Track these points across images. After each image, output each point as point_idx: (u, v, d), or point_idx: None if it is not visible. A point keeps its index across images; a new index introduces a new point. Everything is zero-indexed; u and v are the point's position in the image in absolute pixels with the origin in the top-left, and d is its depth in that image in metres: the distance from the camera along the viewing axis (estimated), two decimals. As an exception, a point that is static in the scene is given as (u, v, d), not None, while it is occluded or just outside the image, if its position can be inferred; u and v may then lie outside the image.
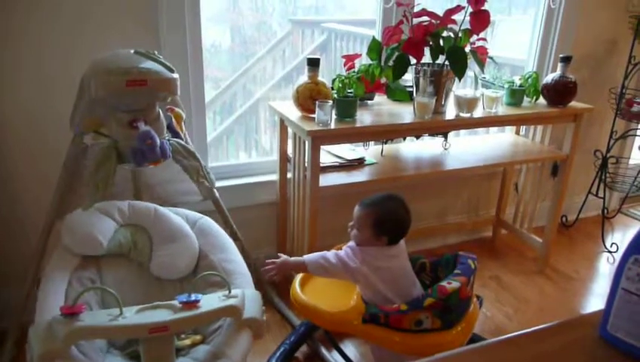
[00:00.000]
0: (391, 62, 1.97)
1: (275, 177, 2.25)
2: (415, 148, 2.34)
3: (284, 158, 2.16)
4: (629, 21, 2.70)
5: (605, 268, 2.71)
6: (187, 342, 1.45)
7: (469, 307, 1.56)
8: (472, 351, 0.75)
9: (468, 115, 2.07)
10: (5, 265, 1.93)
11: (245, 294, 1.39)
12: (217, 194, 1.88)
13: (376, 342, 1.55)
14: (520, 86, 2.28)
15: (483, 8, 1.89)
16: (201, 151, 2.01)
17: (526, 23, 2.71)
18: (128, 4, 1.81)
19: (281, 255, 1.59)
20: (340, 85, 1.95)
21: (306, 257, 1.56)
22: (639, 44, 2.65)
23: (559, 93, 2.24)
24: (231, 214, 1.93)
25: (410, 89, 2.13)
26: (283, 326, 2.07)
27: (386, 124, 1.93)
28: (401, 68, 1.96)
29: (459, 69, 1.91)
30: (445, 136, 2.30)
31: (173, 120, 1.69)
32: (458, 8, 1.91)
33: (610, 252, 2.80)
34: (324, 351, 1.93)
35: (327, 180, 1.92)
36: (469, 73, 2.07)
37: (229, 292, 1.35)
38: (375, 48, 2.04)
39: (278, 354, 1.84)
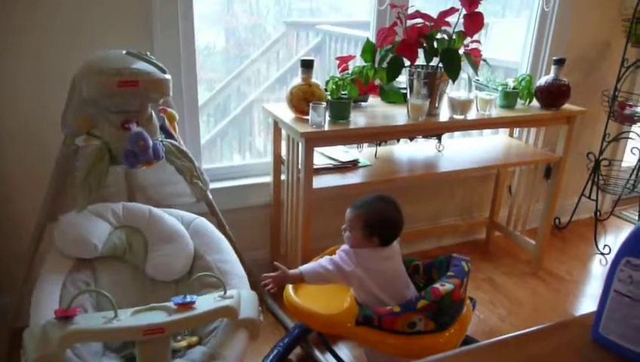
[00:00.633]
0: (385, 64, 1.97)
1: (268, 179, 2.24)
2: (409, 150, 2.34)
3: (277, 160, 2.15)
4: (622, 24, 2.71)
5: (598, 270, 2.72)
6: (183, 343, 1.45)
7: (463, 309, 1.56)
8: (465, 353, 0.75)
9: (462, 117, 2.08)
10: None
11: (241, 295, 1.38)
12: (211, 196, 1.87)
13: (370, 345, 1.55)
14: (513, 88, 2.28)
15: (477, 10, 1.90)
16: (195, 153, 2.00)
17: (520, 25, 2.72)
18: (122, 6, 1.81)
19: (277, 264, 1.59)
20: (334, 87, 1.95)
21: (303, 268, 1.57)
22: (632, 46, 2.67)
23: (552, 95, 2.25)
24: (224, 216, 1.92)
25: (404, 91, 2.13)
26: (276, 329, 2.07)
27: (380, 125, 1.93)
28: (395, 70, 1.96)
29: (453, 71, 1.91)
30: (439, 138, 2.30)
31: (166, 121, 1.68)
32: (452, 10, 1.91)
33: (602, 254, 2.81)
34: (317, 353, 1.92)
35: (320, 182, 1.91)
36: (463, 75, 2.08)
37: (225, 293, 1.35)
38: (369, 50, 2.04)
39: (271, 356, 1.84)
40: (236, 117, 2.50)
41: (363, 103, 2.16)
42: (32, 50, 1.73)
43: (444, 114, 2.10)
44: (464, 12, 1.91)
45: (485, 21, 1.92)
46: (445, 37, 1.96)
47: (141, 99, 1.51)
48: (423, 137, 2.32)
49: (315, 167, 1.88)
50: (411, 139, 2.32)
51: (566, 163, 2.39)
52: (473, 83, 2.26)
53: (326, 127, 1.84)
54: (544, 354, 0.72)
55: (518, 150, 2.46)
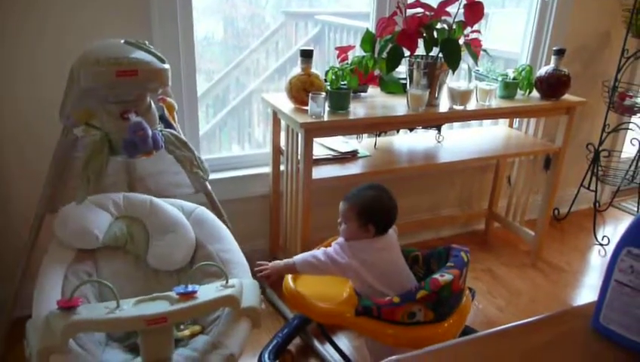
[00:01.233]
0: (384, 54, 1.96)
1: (268, 170, 2.24)
2: (408, 141, 2.34)
3: (277, 151, 2.15)
4: (622, 14, 2.70)
5: (597, 260, 2.73)
6: (186, 332, 1.45)
7: (462, 299, 1.56)
8: (464, 344, 0.75)
9: (461, 107, 2.07)
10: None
11: (243, 284, 1.39)
12: (210, 186, 1.87)
13: (369, 335, 1.55)
14: (513, 79, 2.28)
15: (477, 0, 1.89)
16: (194, 143, 1.99)
17: (520, 15, 2.71)
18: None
19: (273, 263, 1.61)
20: (334, 77, 1.94)
21: (296, 258, 1.59)
22: (632, 37, 2.66)
23: (552, 86, 2.24)
24: (223, 207, 1.92)
25: (404, 81, 2.12)
26: (276, 319, 2.07)
27: (380, 116, 1.93)
28: (394, 60, 1.95)
29: (453, 61, 1.91)
30: (439, 128, 2.30)
31: (166, 110, 1.67)
32: (452, 0, 1.90)
33: (601, 245, 2.81)
34: (317, 344, 1.93)
35: (320, 173, 1.91)
36: (463, 65, 2.07)
37: (227, 282, 1.35)
38: (369, 40, 2.03)
39: (271, 346, 1.84)
40: (235, 107, 2.49)
41: (362, 94, 2.15)
42: (29, 44, 1.72)
43: (444, 104, 2.09)
44: (464, 2, 1.90)
45: (485, 11, 1.91)
46: (445, 27, 1.95)
47: (140, 88, 1.50)
48: (423, 128, 2.32)
49: (314, 157, 1.88)
50: (411, 129, 2.31)
51: (565, 154, 2.38)
52: (473, 73, 2.25)
53: (325, 118, 1.84)
54: (544, 344, 0.72)
55: (518, 141, 2.46)
